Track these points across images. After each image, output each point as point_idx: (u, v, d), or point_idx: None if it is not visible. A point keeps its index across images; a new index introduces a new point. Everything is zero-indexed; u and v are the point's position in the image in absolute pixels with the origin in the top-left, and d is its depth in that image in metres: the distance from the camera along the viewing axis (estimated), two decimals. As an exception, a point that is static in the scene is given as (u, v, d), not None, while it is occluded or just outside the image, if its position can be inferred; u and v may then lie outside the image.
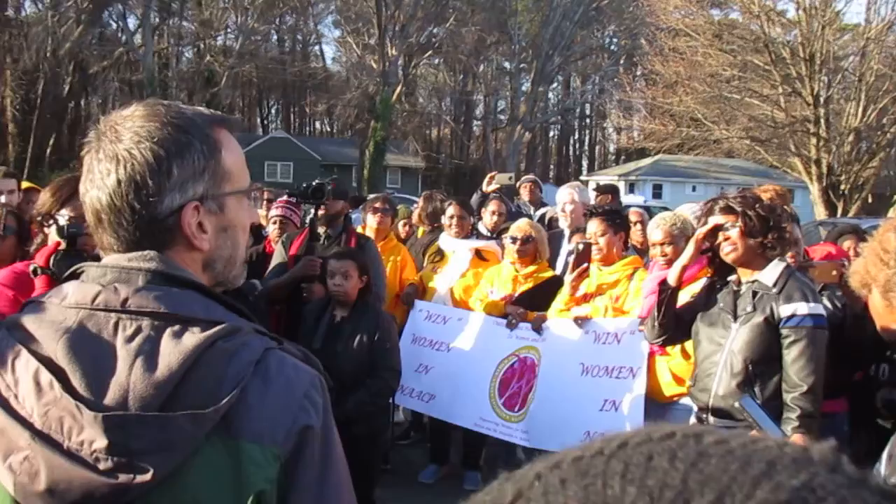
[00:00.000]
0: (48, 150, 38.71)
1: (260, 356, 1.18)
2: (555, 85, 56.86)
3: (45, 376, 1.12)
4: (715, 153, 29.15)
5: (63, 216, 2.76)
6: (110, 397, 1.11)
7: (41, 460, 1.10)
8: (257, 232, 5.97)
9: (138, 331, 1.15)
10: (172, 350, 1.13)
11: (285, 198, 5.93)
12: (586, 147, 73.71)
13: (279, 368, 1.20)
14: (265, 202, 7.35)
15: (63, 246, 2.70)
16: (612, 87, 43.97)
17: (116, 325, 1.16)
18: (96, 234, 1.26)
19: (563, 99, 57.86)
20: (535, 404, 4.62)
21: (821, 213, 23.53)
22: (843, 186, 24.27)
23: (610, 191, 8.75)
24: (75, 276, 1.25)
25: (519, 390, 4.77)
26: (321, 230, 5.03)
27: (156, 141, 1.19)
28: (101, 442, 1.09)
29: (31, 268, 2.68)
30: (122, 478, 1.09)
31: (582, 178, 54.97)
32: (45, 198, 2.90)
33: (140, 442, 1.10)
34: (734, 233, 3.28)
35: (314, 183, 4.80)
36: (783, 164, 26.83)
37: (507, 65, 50.95)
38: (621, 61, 49.94)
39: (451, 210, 5.80)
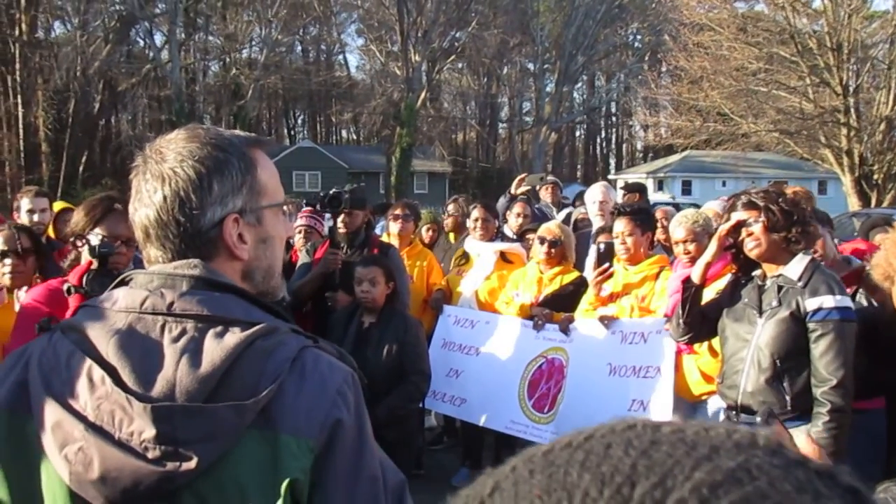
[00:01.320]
0: (80, 168, 39.36)
1: (296, 354, 1.26)
2: (579, 84, 56.63)
3: (98, 372, 1.21)
4: (744, 147, 28.75)
5: (96, 236, 2.82)
6: (158, 391, 1.19)
7: (94, 450, 1.18)
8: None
9: (183, 332, 1.24)
10: (215, 349, 1.21)
11: (308, 208, 6.00)
12: (613, 145, 73.29)
13: (314, 365, 1.27)
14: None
15: (95, 265, 2.77)
16: (638, 85, 43.62)
17: (163, 326, 1.24)
18: (144, 248, 1.35)
19: (589, 98, 57.63)
20: (564, 405, 4.63)
21: (854, 203, 23.14)
22: (876, 176, 23.86)
23: (638, 189, 8.73)
24: (124, 283, 1.35)
25: (548, 392, 4.78)
26: (342, 237, 5.08)
27: (197, 159, 1.30)
28: (150, 432, 1.17)
29: (65, 287, 2.75)
30: (170, 466, 1.17)
31: (610, 176, 54.69)
32: (78, 217, 2.97)
33: (186, 432, 1.17)
34: (757, 228, 3.25)
35: (331, 192, 4.84)
36: (814, 156, 26.42)
37: (530, 66, 50.84)
38: (646, 58, 49.65)
39: (475, 213, 5.82)
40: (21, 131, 37.42)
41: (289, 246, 5.93)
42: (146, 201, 1.31)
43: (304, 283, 4.83)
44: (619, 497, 0.40)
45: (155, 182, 1.30)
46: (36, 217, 5.38)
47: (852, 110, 23.46)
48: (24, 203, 5.40)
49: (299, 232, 5.83)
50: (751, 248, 3.29)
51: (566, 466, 0.44)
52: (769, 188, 3.64)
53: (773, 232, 3.23)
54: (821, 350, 3.14)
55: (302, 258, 5.19)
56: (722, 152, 31.21)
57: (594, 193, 6.02)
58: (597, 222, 5.91)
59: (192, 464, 1.17)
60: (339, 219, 4.93)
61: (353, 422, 1.26)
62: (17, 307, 3.65)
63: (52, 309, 2.79)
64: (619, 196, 9.21)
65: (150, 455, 1.17)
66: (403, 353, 4.39)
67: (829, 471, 0.43)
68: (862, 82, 24.60)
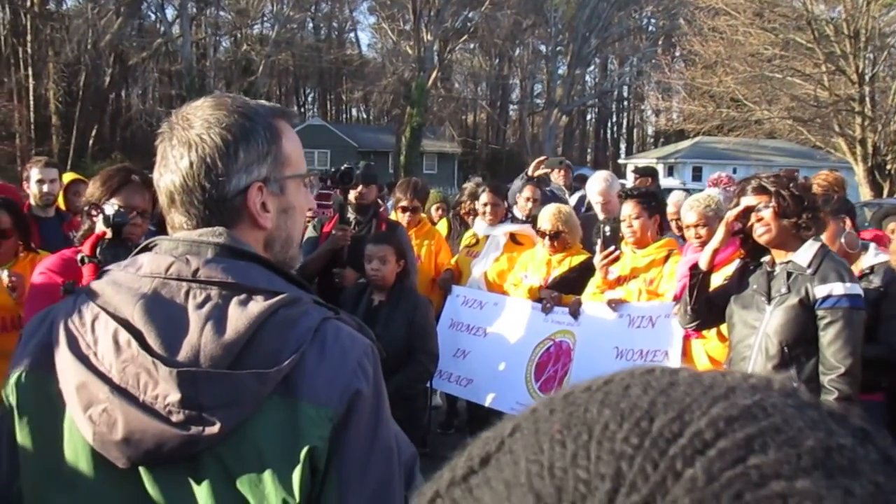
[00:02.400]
0: (90, 142, 39.40)
1: (318, 324, 1.28)
2: (592, 68, 56.37)
3: (124, 336, 1.23)
4: (756, 134, 28.56)
5: (111, 206, 2.81)
6: (183, 356, 1.21)
7: (119, 412, 1.20)
8: None
9: (207, 298, 1.25)
10: (239, 316, 1.23)
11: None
12: (624, 130, 72.93)
13: (335, 336, 1.29)
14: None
15: (109, 235, 2.76)
16: (651, 69, 43.33)
17: (188, 292, 1.26)
18: (168, 214, 1.36)
19: (601, 82, 57.34)
20: (570, 388, 4.63)
21: (866, 194, 22.97)
22: (889, 167, 23.65)
23: (649, 173, 8.72)
24: (148, 249, 1.36)
25: (555, 374, 4.78)
26: (351, 216, 5.06)
27: (224, 126, 1.31)
28: (175, 396, 1.19)
29: (79, 257, 2.75)
30: (193, 430, 1.19)
31: (620, 161, 54.43)
32: (94, 187, 2.95)
33: (210, 397, 1.19)
34: (767, 213, 3.22)
35: (343, 168, 4.81)
36: (826, 145, 26.22)
37: (543, 48, 50.56)
38: (659, 42, 49.31)
39: (484, 197, 5.77)
40: (32, 104, 37.44)
41: None
42: (172, 167, 1.32)
43: (311, 259, 4.80)
44: (638, 430, 0.42)
45: (181, 148, 1.31)
46: (45, 188, 5.38)
47: (867, 99, 23.25)
48: (34, 173, 5.40)
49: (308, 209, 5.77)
50: (760, 233, 3.25)
51: (586, 405, 0.46)
52: (781, 172, 3.60)
53: (783, 218, 3.20)
54: (829, 338, 3.12)
55: (308, 232, 5.16)
56: (734, 139, 31.02)
57: (595, 185, 5.79)
58: (599, 214, 5.74)
59: (215, 429, 1.19)
60: (351, 194, 4.91)
61: (371, 393, 1.29)
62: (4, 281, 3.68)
63: (66, 279, 2.79)
64: (630, 180, 9.14)
65: (173, 418, 1.19)
66: (412, 332, 4.39)
67: (841, 412, 0.45)
68: (878, 71, 24.35)
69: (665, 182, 25.20)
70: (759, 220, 3.24)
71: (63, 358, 1.25)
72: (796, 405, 0.44)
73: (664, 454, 0.41)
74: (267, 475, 1.21)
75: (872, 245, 4.24)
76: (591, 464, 0.42)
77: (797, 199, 3.19)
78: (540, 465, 0.43)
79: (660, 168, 40.16)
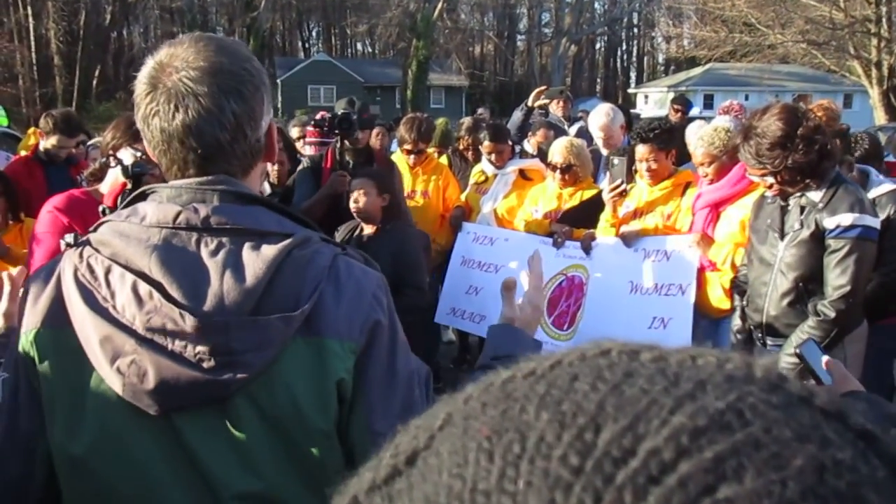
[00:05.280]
0: (94, 82, 39.08)
1: (331, 262, 1.32)
2: (601, -6, 55.02)
3: (144, 287, 1.23)
4: (769, 59, 28.07)
5: (130, 154, 2.69)
6: (208, 304, 1.22)
7: (148, 363, 1.22)
8: (295, 158, 5.90)
9: (220, 245, 1.26)
10: (255, 260, 1.25)
11: (315, 129, 5.78)
12: (634, 58, 71.73)
13: (349, 272, 1.33)
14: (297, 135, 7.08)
15: (129, 186, 2.67)
16: (661, -6, 42.30)
17: (198, 240, 1.26)
18: (164, 157, 1.33)
19: (610, 9, 56.04)
20: (583, 323, 4.61)
21: (881, 117, 22.63)
22: (905, 89, 23.25)
23: (683, 103, 9.01)
24: (143, 196, 1.34)
25: (567, 309, 4.76)
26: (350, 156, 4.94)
27: (247, 71, 1.32)
28: (205, 345, 1.22)
29: (101, 208, 2.67)
30: (226, 375, 1.23)
31: (630, 90, 53.61)
32: (112, 134, 2.83)
33: (240, 343, 1.23)
34: (773, 189, 3.19)
35: (340, 113, 4.68)
36: (841, 69, 25.76)
37: (550, -26, 49.35)
38: (670, -34, 47.97)
39: (486, 146, 5.63)
40: (32, 44, 37.04)
41: (298, 161, 5.72)
42: (205, 116, 1.27)
43: (312, 205, 4.69)
44: (581, 444, 0.34)
45: (215, 98, 1.28)
46: (63, 153, 5.29)
47: (884, 20, 22.72)
48: (53, 140, 5.26)
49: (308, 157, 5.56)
50: (773, 194, 3.23)
51: (524, 401, 0.37)
52: (795, 99, 3.49)
53: (788, 185, 3.13)
54: (830, 265, 3.09)
55: (303, 164, 5.04)
56: (746, 65, 30.52)
57: (597, 119, 5.56)
58: (601, 147, 5.58)
59: (246, 372, 1.23)
60: (348, 141, 4.79)
61: (387, 322, 1.34)
62: None
63: (72, 218, 2.75)
64: (665, 107, 9.06)
65: (205, 365, 1.22)
66: (398, 264, 4.29)
67: (839, 410, 0.36)
68: (896, -10, 23.69)
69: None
70: (769, 186, 3.18)
71: (80, 312, 1.25)
72: (782, 404, 0.35)
73: (610, 482, 0.33)
74: (300, 410, 1.26)
75: (873, 172, 4.18)
76: (520, 491, 0.34)
77: (797, 171, 3.08)
78: (462, 481, 0.35)
79: (670, 97, 39.61)
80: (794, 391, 0.37)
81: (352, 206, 4.43)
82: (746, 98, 38.91)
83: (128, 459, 1.26)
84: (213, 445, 1.26)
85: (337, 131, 4.71)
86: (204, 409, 1.25)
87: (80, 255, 1.29)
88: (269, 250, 1.26)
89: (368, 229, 4.46)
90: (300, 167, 5.04)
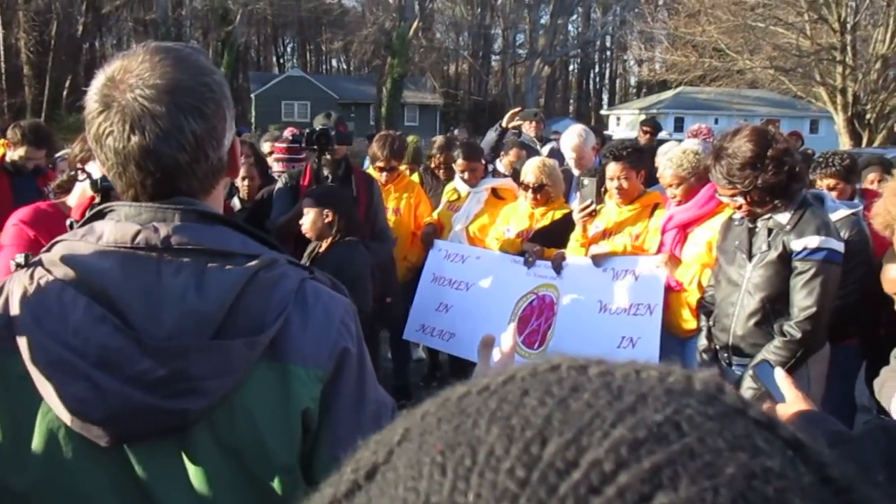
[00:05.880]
0: (64, 93, 38.63)
1: (298, 286, 1.26)
2: (574, 17, 55.72)
3: (98, 310, 1.16)
4: (738, 84, 28.55)
5: (97, 168, 2.67)
6: (166, 328, 1.16)
7: (100, 390, 1.14)
8: (266, 173, 5.87)
9: (181, 266, 1.19)
10: (218, 282, 1.19)
11: (283, 146, 5.71)
12: (607, 80, 72.53)
13: (316, 296, 1.28)
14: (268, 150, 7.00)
15: (98, 200, 2.65)
16: (634, 18, 42.91)
17: (158, 262, 1.19)
18: (122, 178, 1.25)
19: (584, 31, 56.78)
20: (554, 342, 4.64)
21: (846, 143, 23.07)
22: (868, 116, 23.74)
23: (652, 125, 9.46)
24: (101, 215, 1.28)
25: (538, 328, 4.79)
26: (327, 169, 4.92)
27: (207, 87, 1.24)
28: (162, 370, 1.14)
29: (69, 222, 2.65)
30: (183, 403, 1.16)
31: (602, 112, 54.14)
32: (81, 146, 2.78)
33: (200, 369, 1.15)
34: (742, 210, 3.24)
35: (318, 128, 4.66)
36: (808, 94, 26.24)
37: (525, -4, 49.81)
38: (643, -10, 48.69)
39: (459, 164, 5.66)
40: (1, 53, 36.59)
41: (272, 178, 5.69)
42: (162, 136, 1.19)
43: (287, 221, 4.66)
44: (528, 457, 0.35)
45: (172, 117, 1.20)
46: (30, 164, 5.29)
47: (849, 48, 23.23)
48: (21, 152, 5.26)
49: (279, 175, 5.50)
50: (742, 215, 3.31)
51: (476, 416, 0.39)
52: (762, 123, 3.56)
53: (757, 207, 3.20)
54: (797, 287, 3.14)
55: (281, 182, 4.99)
56: (716, 89, 31.01)
57: (569, 140, 5.60)
58: (572, 168, 5.59)
59: (206, 400, 1.16)
60: (325, 156, 4.77)
61: (356, 350, 1.29)
62: None
63: (38, 232, 2.72)
64: (619, 132, 9.13)
65: (161, 392, 1.15)
66: (341, 281, 4.20)
67: (770, 421, 0.38)
68: (860, 19, 24.27)
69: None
70: (739, 207, 3.24)
71: (30, 336, 1.16)
72: (718, 415, 0.37)
73: (553, 493, 0.34)
74: (262, 440, 1.20)
75: (828, 197, 4.28)
76: (471, 503, 0.35)
77: (767, 191, 3.14)
78: (416, 495, 0.36)
79: (641, 119, 40.04)
80: (729, 402, 0.38)
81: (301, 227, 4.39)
82: (716, 122, 39.50)
83: (76, 495, 1.19)
84: (169, 479, 1.19)
85: (315, 146, 4.71)
86: (159, 439, 1.18)
87: (31, 277, 1.21)
88: (234, 272, 1.20)
89: (324, 245, 4.42)
90: (278, 186, 4.98)
